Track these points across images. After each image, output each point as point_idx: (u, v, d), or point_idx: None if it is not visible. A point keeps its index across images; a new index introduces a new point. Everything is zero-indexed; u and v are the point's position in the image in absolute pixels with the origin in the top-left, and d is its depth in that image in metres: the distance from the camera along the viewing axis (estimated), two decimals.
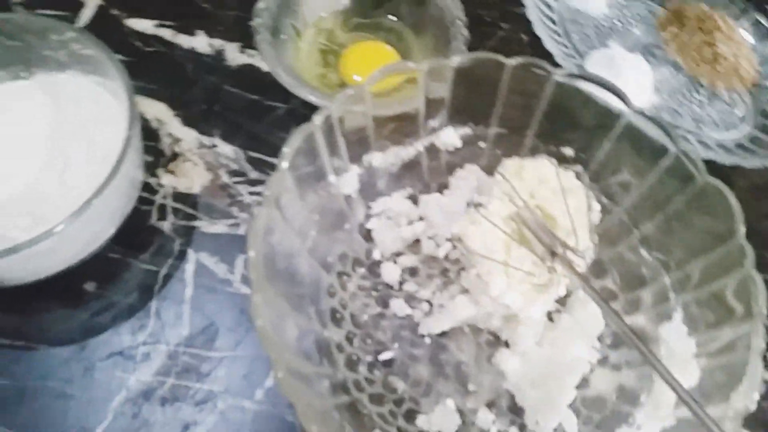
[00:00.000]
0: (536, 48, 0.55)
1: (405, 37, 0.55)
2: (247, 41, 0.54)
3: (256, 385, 0.39)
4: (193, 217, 0.44)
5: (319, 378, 0.35)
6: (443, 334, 0.40)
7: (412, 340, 0.40)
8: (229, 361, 0.39)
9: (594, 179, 0.43)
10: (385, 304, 0.41)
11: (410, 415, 0.38)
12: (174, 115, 0.49)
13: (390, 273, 0.42)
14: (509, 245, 0.38)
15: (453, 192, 0.45)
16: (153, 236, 0.43)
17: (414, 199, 0.45)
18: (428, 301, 0.42)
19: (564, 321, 0.40)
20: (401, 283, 0.42)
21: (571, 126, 0.42)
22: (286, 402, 0.38)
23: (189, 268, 0.42)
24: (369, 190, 0.43)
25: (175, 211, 0.45)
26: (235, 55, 0.54)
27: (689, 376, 0.35)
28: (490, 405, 0.39)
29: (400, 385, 0.39)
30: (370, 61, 0.51)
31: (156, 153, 0.47)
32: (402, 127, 0.42)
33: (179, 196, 0.45)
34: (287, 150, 0.35)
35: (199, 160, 0.47)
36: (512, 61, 0.40)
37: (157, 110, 0.49)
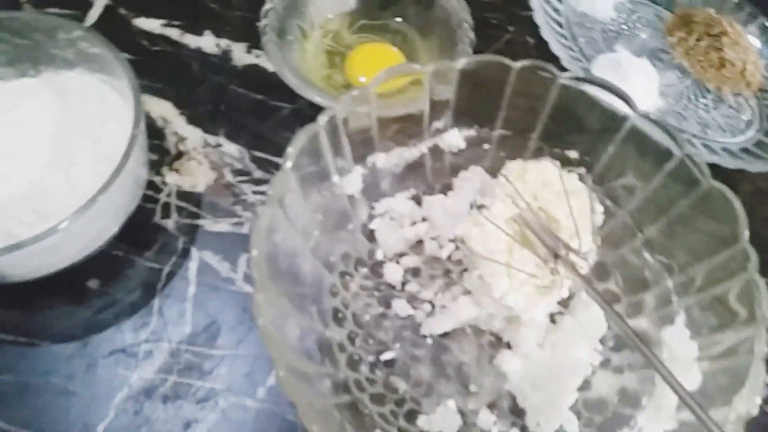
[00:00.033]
0: (542, 51, 0.55)
1: (411, 39, 0.55)
2: (253, 42, 0.54)
3: (257, 384, 0.39)
4: (197, 216, 0.45)
5: (321, 377, 0.35)
6: (445, 334, 0.40)
7: (414, 341, 0.40)
8: (231, 359, 0.39)
9: (598, 182, 0.43)
10: (387, 305, 0.41)
11: (411, 416, 0.38)
12: (179, 114, 0.50)
13: (392, 273, 0.42)
14: (512, 247, 0.38)
15: (456, 193, 0.45)
16: (157, 234, 0.43)
17: (417, 200, 0.45)
18: (430, 302, 0.42)
19: (566, 323, 0.40)
20: (404, 284, 0.42)
21: (576, 129, 0.42)
22: (288, 401, 0.38)
23: (192, 266, 0.42)
24: (372, 191, 0.43)
25: (179, 209, 0.45)
26: (241, 55, 0.54)
27: (691, 380, 0.35)
28: (492, 406, 0.39)
29: (402, 386, 0.39)
30: (376, 63, 0.51)
31: (161, 151, 0.47)
32: (406, 128, 0.43)
33: (183, 195, 0.46)
34: (291, 150, 0.35)
35: (204, 159, 0.48)
36: (518, 64, 0.40)
37: (162, 109, 0.50)
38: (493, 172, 0.43)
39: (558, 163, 0.42)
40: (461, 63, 0.40)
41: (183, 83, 0.51)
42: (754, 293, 0.33)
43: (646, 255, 0.41)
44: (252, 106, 0.51)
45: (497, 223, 0.37)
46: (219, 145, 0.48)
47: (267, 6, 0.49)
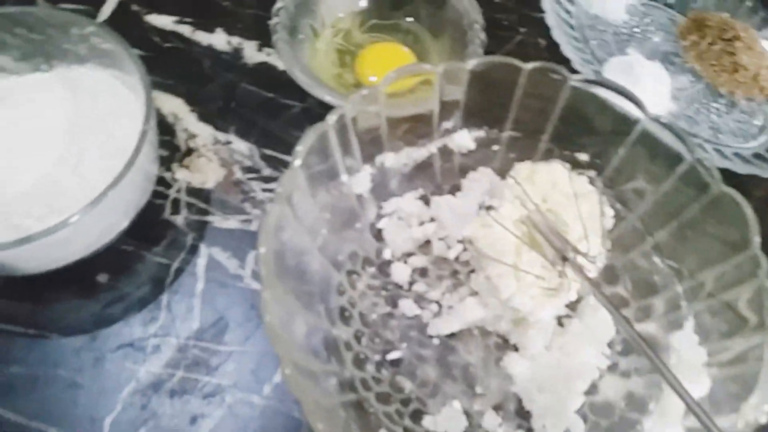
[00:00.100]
0: (554, 53, 0.55)
1: (422, 39, 0.55)
2: (265, 40, 0.54)
3: (264, 381, 0.39)
4: (206, 212, 0.45)
5: (327, 376, 0.35)
6: (452, 335, 0.40)
7: (421, 341, 0.40)
8: (238, 355, 0.39)
9: (608, 185, 0.43)
10: (394, 304, 0.41)
11: (417, 416, 0.38)
12: (190, 110, 0.50)
13: (400, 273, 0.42)
14: (520, 249, 0.38)
15: (465, 194, 0.45)
16: (166, 230, 0.44)
17: (426, 200, 0.45)
18: (437, 302, 0.41)
19: (574, 326, 0.40)
20: (411, 284, 0.42)
21: (587, 131, 0.42)
22: (294, 398, 0.38)
23: (201, 262, 0.43)
24: (381, 190, 0.43)
25: (189, 205, 0.45)
26: (252, 53, 0.54)
27: (699, 386, 0.34)
28: (497, 408, 0.38)
29: (408, 385, 0.39)
30: (386, 62, 0.51)
31: (171, 148, 0.48)
32: (416, 128, 0.43)
33: (193, 191, 0.46)
34: (300, 148, 0.35)
35: (214, 155, 0.48)
36: (528, 66, 0.40)
37: (173, 105, 0.50)
38: (502, 173, 0.43)
39: (568, 165, 0.42)
40: (472, 64, 0.40)
41: (194, 80, 0.52)
42: (765, 300, 0.33)
43: (656, 259, 0.41)
44: (262, 103, 0.51)
45: (505, 225, 0.37)
46: (229, 143, 0.49)
47: (278, 4, 0.49)
